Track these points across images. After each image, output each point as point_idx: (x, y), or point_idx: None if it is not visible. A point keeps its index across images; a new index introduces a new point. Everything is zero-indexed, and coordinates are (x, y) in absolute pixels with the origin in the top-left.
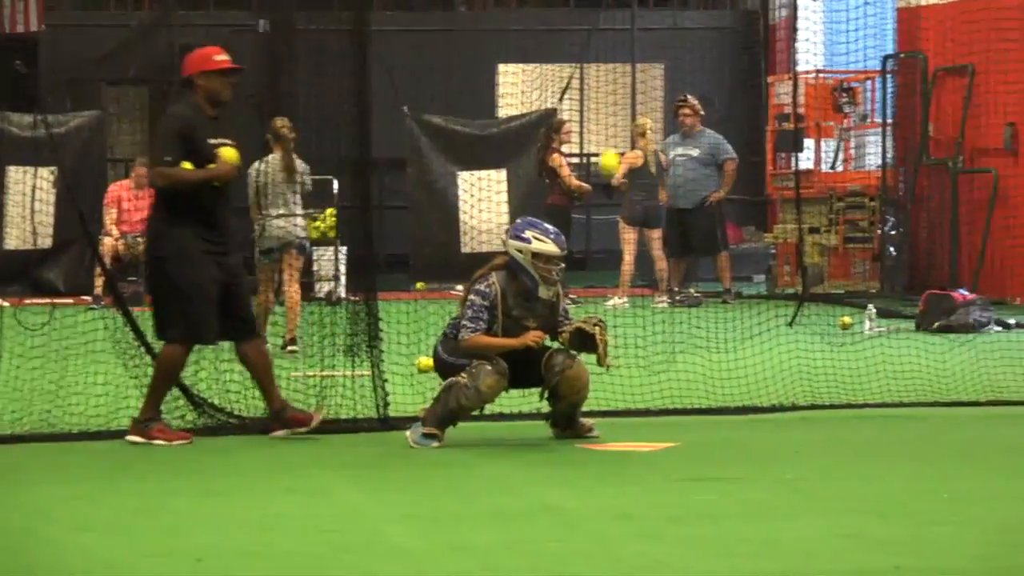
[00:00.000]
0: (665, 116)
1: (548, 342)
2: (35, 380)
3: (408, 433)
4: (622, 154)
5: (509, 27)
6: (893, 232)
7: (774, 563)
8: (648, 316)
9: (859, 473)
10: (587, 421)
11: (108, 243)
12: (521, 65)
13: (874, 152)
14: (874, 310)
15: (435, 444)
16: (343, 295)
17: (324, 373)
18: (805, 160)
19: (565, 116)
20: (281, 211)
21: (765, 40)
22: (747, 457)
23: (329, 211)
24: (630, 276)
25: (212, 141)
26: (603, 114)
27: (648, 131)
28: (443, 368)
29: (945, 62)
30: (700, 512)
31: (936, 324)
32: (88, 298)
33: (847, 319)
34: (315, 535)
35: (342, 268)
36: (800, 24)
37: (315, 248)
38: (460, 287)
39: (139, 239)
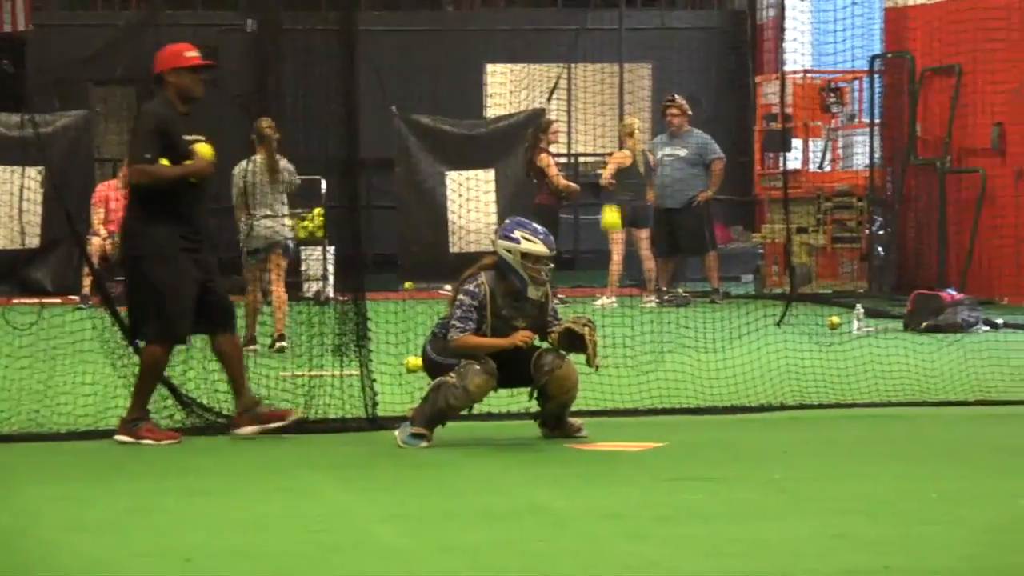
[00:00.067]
0: (653, 116)
1: (537, 342)
2: (23, 380)
3: (397, 433)
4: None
5: (497, 27)
6: (881, 232)
7: (762, 563)
8: (636, 316)
9: (848, 473)
10: (576, 421)
11: (96, 243)
12: (509, 65)
13: (862, 152)
14: (862, 310)
15: (424, 444)
16: (331, 295)
17: (312, 373)
18: (793, 160)
19: (553, 116)
20: (267, 212)
21: (753, 40)
22: (735, 457)
23: (317, 211)
24: (618, 276)
25: (187, 138)
26: (591, 114)
27: (636, 131)
28: (432, 368)
29: (932, 62)
30: (689, 512)
31: (924, 324)
32: (76, 298)
33: (835, 319)
34: (304, 535)
35: (330, 268)
36: (788, 24)
37: (303, 248)
38: (448, 287)
39: None
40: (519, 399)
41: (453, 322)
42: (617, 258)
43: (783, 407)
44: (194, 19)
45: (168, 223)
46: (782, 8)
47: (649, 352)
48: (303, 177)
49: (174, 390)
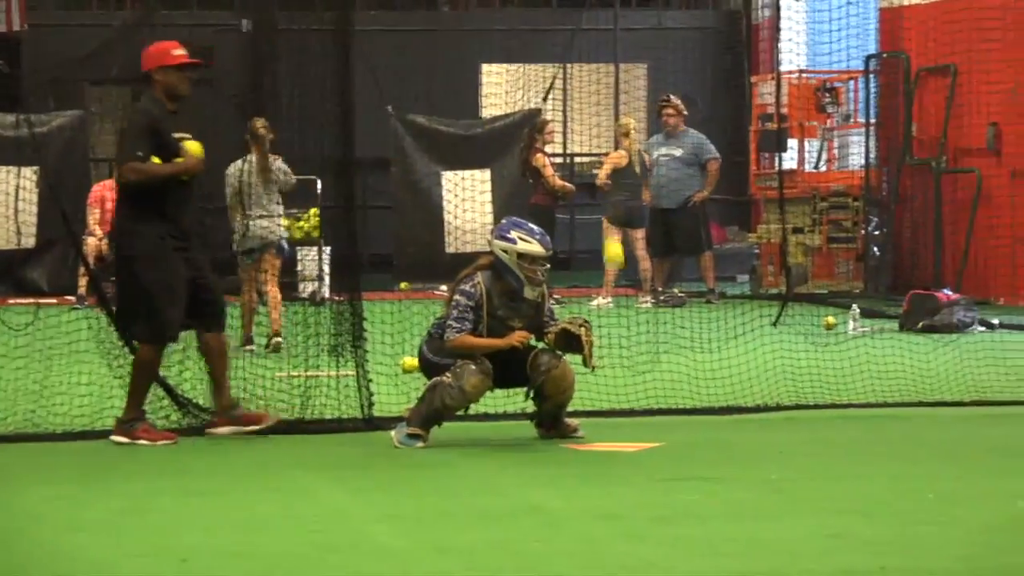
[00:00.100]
0: (648, 116)
1: (533, 342)
2: (19, 380)
3: (393, 433)
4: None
5: (492, 27)
6: (877, 232)
7: (759, 563)
8: (632, 316)
9: (844, 473)
10: (572, 421)
11: (91, 243)
12: (505, 65)
13: (857, 152)
14: (858, 310)
15: (420, 444)
16: (327, 295)
17: (308, 373)
18: (788, 160)
19: (549, 116)
20: (261, 212)
21: (748, 40)
22: (731, 457)
23: (312, 211)
24: (614, 276)
25: (176, 135)
26: (586, 114)
27: (632, 131)
28: (428, 368)
29: (927, 62)
30: (685, 512)
31: (920, 324)
32: (72, 298)
33: (831, 319)
34: (300, 535)
35: (326, 268)
36: (783, 24)
37: (299, 248)
38: (444, 287)
39: None
40: (515, 399)
41: (449, 322)
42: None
43: (779, 407)
44: (189, 19)
45: (159, 222)
46: (777, 8)
47: (645, 352)
48: (299, 177)
49: (170, 391)
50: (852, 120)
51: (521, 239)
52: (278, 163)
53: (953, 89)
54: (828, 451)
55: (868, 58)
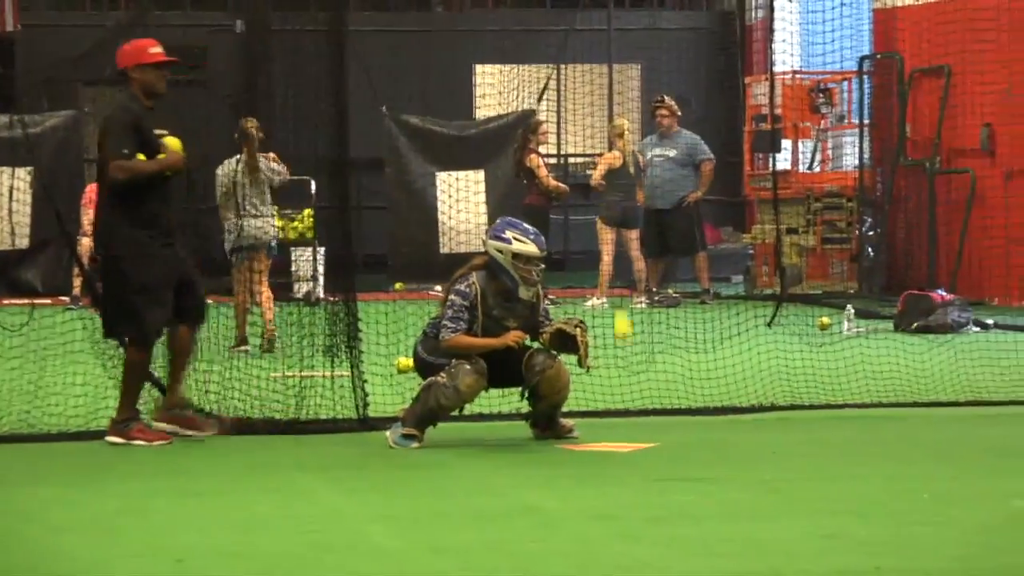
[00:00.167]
0: (642, 117)
1: (528, 342)
2: (13, 380)
3: (388, 433)
4: (601, 150)
5: (486, 28)
6: (871, 233)
7: (754, 563)
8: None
9: (839, 473)
10: (567, 422)
11: (86, 243)
12: (498, 66)
13: (851, 153)
14: (852, 311)
15: (415, 444)
16: (322, 295)
17: (303, 373)
18: (782, 161)
19: (542, 117)
20: (251, 211)
21: (742, 41)
22: (727, 457)
23: (307, 211)
24: (609, 277)
25: (156, 132)
26: (580, 115)
27: (626, 132)
28: (423, 368)
29: (921, 63)
30: (680, 512)
31: (914, 325)
32: (66, 298)
33: (825, 320)
34: (296, 535)
35: (320, 268)
36: (777, 25)
37: (293, 248)
38: (439, 288)
39: None
40: (510, 400)
41: (444, 322)
42: (607, 259)
43: (774, 408)
44: (183, 19)
45: (144, 220)
46: (771, 9)
47: (640, 353)
48: (294, 178)
49: (165, 391)
50: (846, 121)
51: (516, 239)
52: (268, 162)
53: (947, 90)
54: (823, 451)
55: (862, 59)
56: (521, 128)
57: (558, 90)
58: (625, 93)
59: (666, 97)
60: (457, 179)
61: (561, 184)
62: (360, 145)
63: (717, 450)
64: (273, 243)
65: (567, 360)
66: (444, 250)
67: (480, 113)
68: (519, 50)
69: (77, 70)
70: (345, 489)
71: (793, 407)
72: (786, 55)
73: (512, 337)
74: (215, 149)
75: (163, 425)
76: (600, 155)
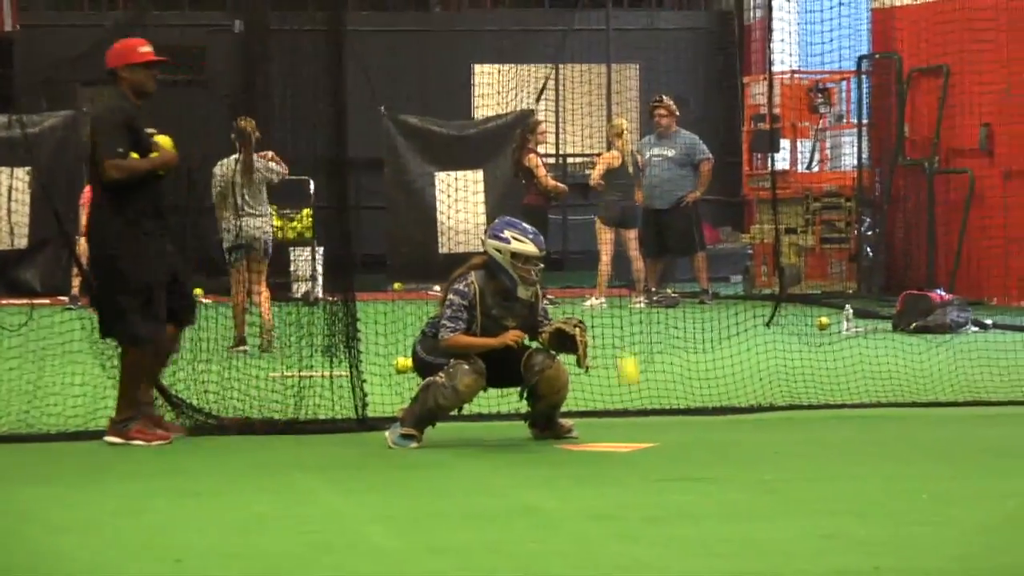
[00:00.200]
0: (641, 116)
1: (527, 341)
2: (12, 380)
3: (387, 434)
4: (600, 150)
5: (484, 28)
6: (869, 233)
7: (753, 563)
8: (626, 316)
9: (838, 473)
10: (566, 422)
11: (84, 243)
12: (497, 66)
13: (850, 152)
14: (851, 310)
15: (413, 444)
16: (320, 295)
17: (302, 373)
18: (781, 160)
19: (541, 117)
20: (247, 211)
21: (740, 40)
22: (725, 458)
23: (305, 211)
24: (607, 276)
25: (147, 131)
26: (579, 115)
27: (625, 131)
28: (422, 367)
29: (920, 63)
30: (679, 512)
31: (913, 325)
32: (65, 298)
33: (824, 319)
34: (295, 536)
35: (319, 268)
36: (775, 25)
37: (292, 248)
38: (438, 288)
39: None
40: (509, 400)
41: (443, 321)
42: (606, 259)
43: (773, 408)
44: (181, 19)
45: (138, 219)
46: (769, 9)
47: (639, 353)
48: (292, 178)
49: (164, 391)
50: (844, 121)
51: (515, 239)
52: (265, 161)
53: (945, 90)
54: (822, 452)
55: (860, 59)
56: (520, 128)
57: (557, 90)
58: (623, 93)
59: (664, 97)
60: (456, 179)
61: (560, 184)
62: (359, 145)
63: (716, 450)
64: (267, 243)
65: (566, 360)
66: (443, 250)
67: (479, 113)
68: (517, 50)
69: (76, 70)
70: (344, 489)
71: (792, 407)
72: (784, 55)
73: (511, 337)
74: (214, 149)
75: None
76: (599, 155)
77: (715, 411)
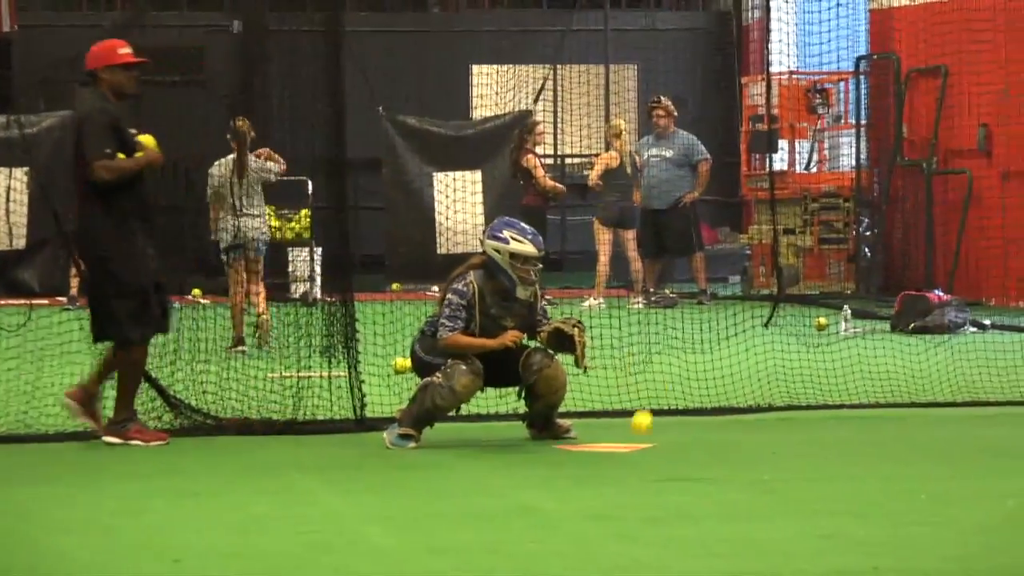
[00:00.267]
0: (639, 117)
1: (526, 341)
2: (11, 381)
3: (385, 434)
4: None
5: (482, 28)
6: (868, 233)
7: (751, 563)
8: (624, 317)
9: (836, 474)
10: (564, 422)
11: None
12: (495, 66)
13: (848, 153)
14: (849, 311)
15: (411, 445)
16: (319, 296)
17: (300, 374)
18: (779, 161)
19: (539, 117)
20: (243, 210)
21: (738, 41)
22: (724, 458)
23: (304, 212)
24: (606, 277)
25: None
26: (577, 115)
27: (623, 132)
28: (420, 367)
29: (918, 63)
30: (678, 513)
31: (911, 325)
32: (63, 299)
33: (823, 320)
34: (293, 536)
35: (317, 269)
36: (773, 25)
37: (290, 249)
38: (436, 288)
39: None
40: (508, 400)
41: (442, 321)
42: (604, 259)
43: (771, 408)
44: (179, 20)
45: (130, 221)
46: (767, 9)
47: (637, 353)
48: (291, 178)
49: (162, 391)
50: (843, 121)
51: (513, 239)
52: (260, 161)
53: (944, 90)
54: (820, 452)
55: (858, 59)
56: (518, 128)
57: (555, 90)
58: (622, 93)
59: (662, 97)
60: (454, 179)
61: (558, 184)
62: (357, 145)
63: (714, 451)
64: (261, 242)
65: (564, 360)
66: (441, 250)
67: (477, 113)
68: (516, 50)
69: (74, 71)
70: (342, 489)
71: (790, 407)
72: (783, 55)
73: (510, 337)
74: (212, 149)
75: (72, 403)
76: (597, 155)
77: (714, 411)
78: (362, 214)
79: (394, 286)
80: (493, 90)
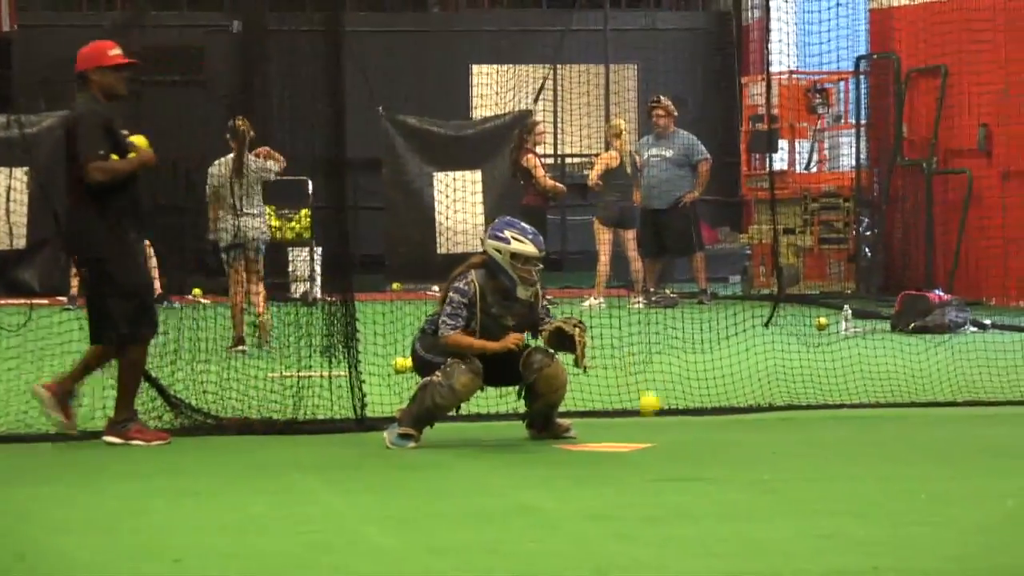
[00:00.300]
0: (639, 117)
1: (529, 340)
2: (11, 381)
3: (385, 434)
4: (598, 151)
5: (482, 28)
6: (868, 233)
7: (751, 563)
8: (624, 317)
9: (836, 474)
10: (564, 421)
11: None
12: (495, 66)
13: (848, 153)
14: (850, 311)
15: (411, 444)
16: (319, 295)
17: (301, 374)
18: (779, 161)
19: (539, 117)
20: (243, 209)
21: (738, 41)
22: (724, 458)
23: (304, 212)
24: (606, 277)
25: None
26: (577, 115)
27: (623, 132)
28: (421, 366)
29: (918, 63)
30: (678, 512)
31: (912, 325)
32: (63, 298)
33: (823, 320)
34: (293, 536)
35: (317, 269)
36: (773, 25)
37: (290, 249)
38: (436, 288)
39: None
40: (507, 400)
41: (444, 319)
42: (604, 259)
43: (771, 408)
44: (179, 20)
45: (123, 221)
46: (767, 9)
47: (637, 353)
48: (290, 178)
49: (162, 391)
50: (843, 121)
51: (515, 239)
52: (259, 160)
53: (943, 90)
54: (820, 452)
55: (858, 59)
56: (518, 128)
57: (555, 90)
58: (621, 93)
59: (662, 97)
60: (454, 179)
61: (558, 184)
62: (357, 145)
63: (714, 450)
64: (260, 242)
65: (564, 359)
66: (441, 250)
67: (477, 113)
68: (515, 50)
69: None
70: (342, 489)
71: (790, 407)
72: (782, 55)
73: (512, 340)
74: (212, 149)
75: (44, 392)
76: (597, 155)
77: (713, 411)
78: (362, 214)
79: (394, 286)
80: (493, 90)
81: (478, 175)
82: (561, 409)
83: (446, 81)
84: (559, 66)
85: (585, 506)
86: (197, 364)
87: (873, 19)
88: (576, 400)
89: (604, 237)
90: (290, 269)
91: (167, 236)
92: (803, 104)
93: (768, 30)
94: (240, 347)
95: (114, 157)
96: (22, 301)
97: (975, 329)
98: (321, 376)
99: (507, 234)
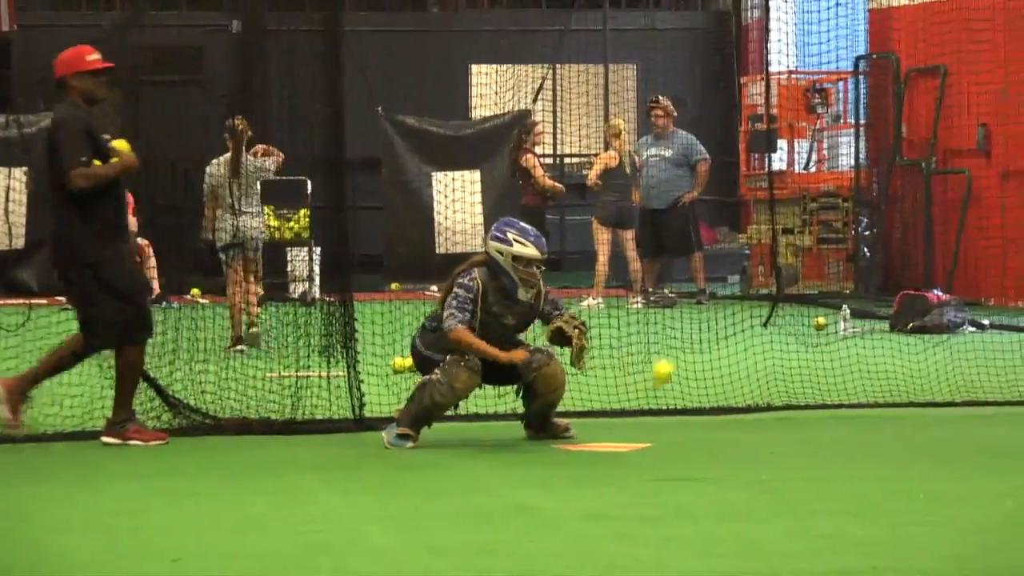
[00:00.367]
0: (638, 117)
1: (538, 326)
2: None
3: (383, 434)
4: (597, 150)
5: (481, 28)
6: (867, 233)
7: (750, 563)
8: (623, 317)
9: (835, 474)
10: (562, 421)
11: None
12: (494, 66)
13: (847, 153)
14: (848, 311)
15: (409, 444)
16: (317, 295)
17: (299, 374)
18: (778, 161)
19: (538, 117)
20: (240, 208)
21: (737, 41)
22: (723, 458)
23: (302, 211)
24: (604, 277)
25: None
26: (576, 115)
27: (622, 132)
28: (421, 362)
29: (917, 63)
30: (676, 512)
31: (910, 325)
32: (62, 298)
33: (822, 320)
34: (292, 536)
35: (316, 268)
36: (772, 25)
37: (289, 249)
38: (435, 288)
39: None
40: (506, 399)
41: (451, 311)
42: (603, 259)
43: (770, 408)
44: (178, 19)
45: (107, 225)
46: (766, 9)
47: (636, 353)
48: (289, 178)
49: (161, 391)
50: (842, 121)
51: (517, 241)
52: (256, 159)
53: (943, 90)
54: (819, 452)
55: (858, 59)
56: (517, 128)
57: (554, 90)
58: (621, 93)
59: (661, 97)
60: (453, 179)
61: (557, 184)
62: (356, 145)
63: (713, 450)
64: (258, 241)
65: (562, 359)
66: (440, 250)
67: (476, 113)
68: (515, 50)
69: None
70: (341, 489)
71: (789, 407)
72: (782, 55)
73: (518, 356)
74: (211, 149)
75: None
76: (596, 155)
77: (712, 411)
78: (361, 214)
79: (393, 286)
80: (492, 90)
81: (477, 175)
82: (560, 409)
83: (445, 81)
84: (558, 66)
85: (584, 506)
86: (195, 364)
87: (872, 19)
88: (575, 400)
89: (603, 237)
90: (289, 269)
91: (166, 236)
92: (802, 104)
93: (767, 30)
94: (238, 347)
95: (96, 163)
96: (21, 301)
97: (974, 329)
98: (320, 376)
99: (509, 236)
